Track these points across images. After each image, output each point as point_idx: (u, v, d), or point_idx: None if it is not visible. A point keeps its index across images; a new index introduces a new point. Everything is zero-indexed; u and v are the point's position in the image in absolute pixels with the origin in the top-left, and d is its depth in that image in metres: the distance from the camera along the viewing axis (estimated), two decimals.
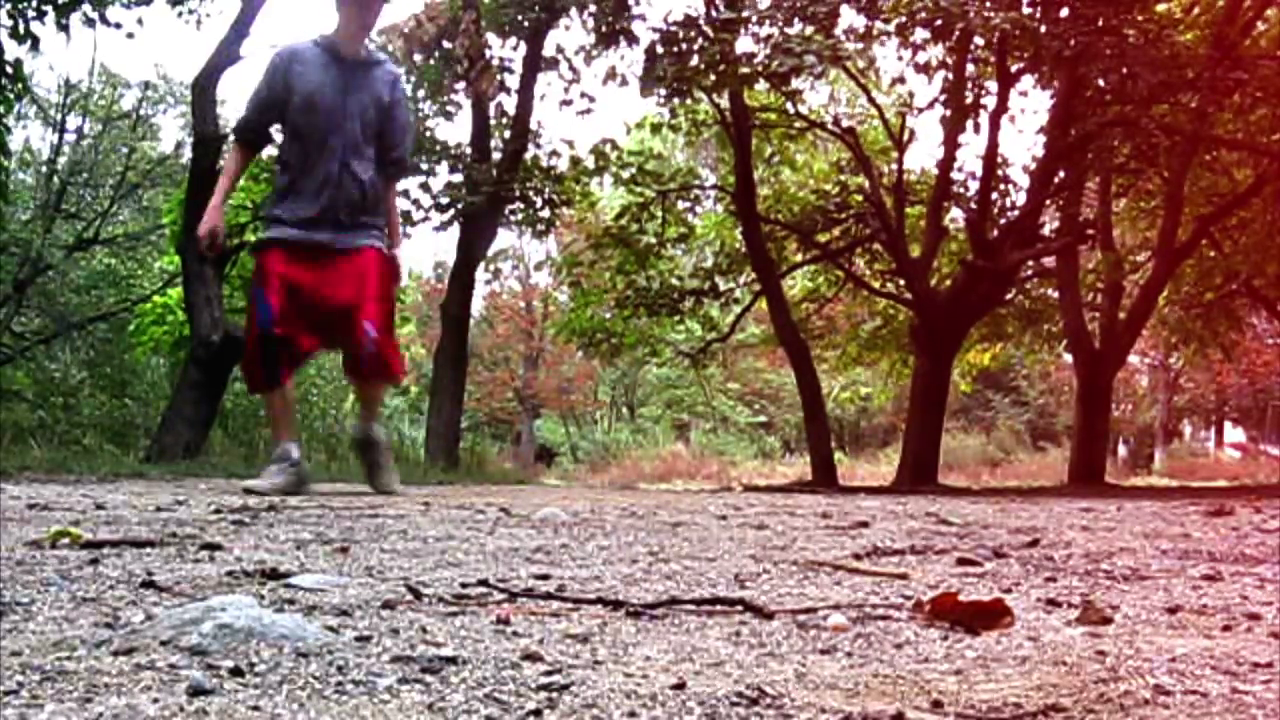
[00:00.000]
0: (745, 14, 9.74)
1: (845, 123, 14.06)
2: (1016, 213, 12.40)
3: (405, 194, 11.37)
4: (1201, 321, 15.43)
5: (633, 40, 10.26)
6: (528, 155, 11.82)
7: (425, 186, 11.44)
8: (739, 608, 1.60)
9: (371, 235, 4.51)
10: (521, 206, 12.00)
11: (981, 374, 19.82)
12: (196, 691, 1.03)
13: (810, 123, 13.95)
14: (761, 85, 11.88)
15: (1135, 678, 1.18)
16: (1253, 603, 1.72)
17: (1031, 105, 29.48)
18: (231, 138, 4.76)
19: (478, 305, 22.68)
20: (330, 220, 4.41)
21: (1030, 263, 13.24)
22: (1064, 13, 9.44)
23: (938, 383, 12.25)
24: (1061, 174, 11.90)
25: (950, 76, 11.54)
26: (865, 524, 3.22)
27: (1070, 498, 6.46)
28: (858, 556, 2.33)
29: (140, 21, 9.88)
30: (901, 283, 13.18)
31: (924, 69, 11.41)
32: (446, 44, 11.20)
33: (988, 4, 8.98)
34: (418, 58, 11.46)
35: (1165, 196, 12.88)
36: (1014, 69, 11.08)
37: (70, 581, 1.71)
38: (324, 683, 1.09)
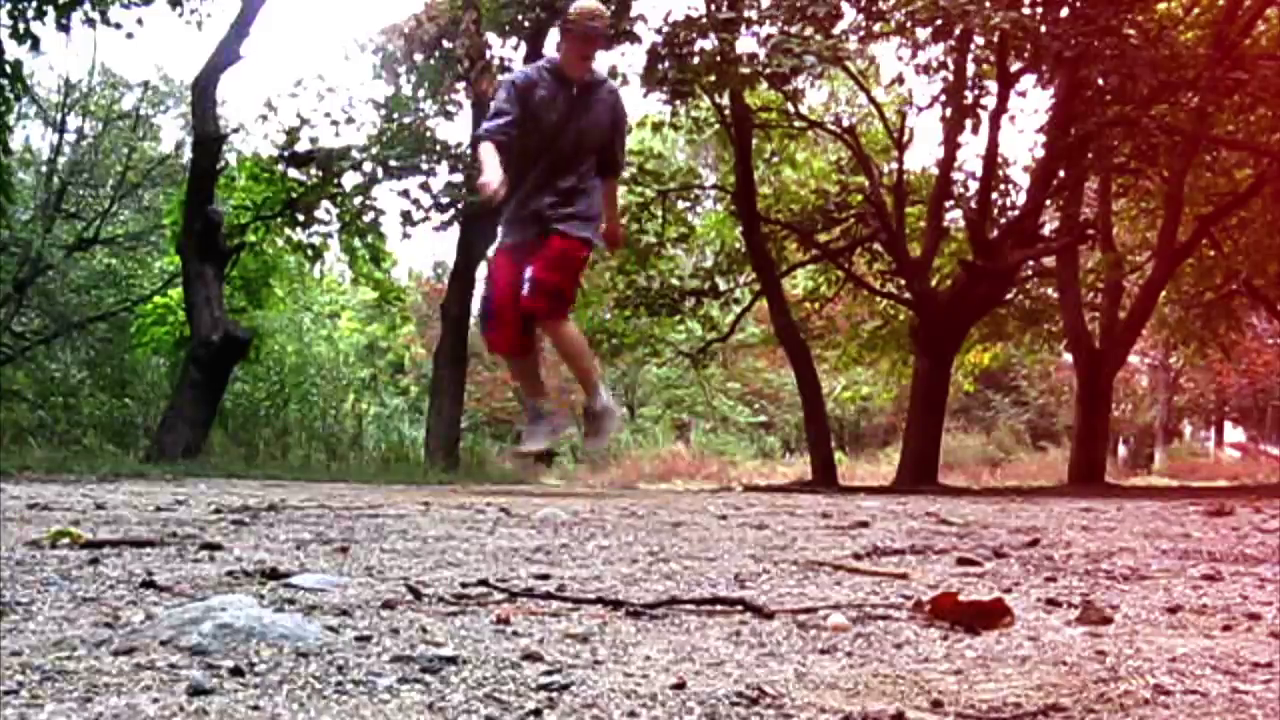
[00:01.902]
0: (746, 14, 9.73)
1: (845, 122, 14.05)
2: (1016, 213, 12.39)
3: (405, 194, 11.37)
4: (1201, 321, 15.42)
5: (634, 40, 10.24)
6: None
7: (425, 186, 11.42)
8: (739, 608, 1.60)
9: (573, 226, 5.08)
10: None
11: (982, 374, 19.81)
12: (196, 691, 1.03)
13: (810, 122, 13.94)
14: (762, 85, 11.87)
15: (1135, 678, 1.18)
16: (1253, 603, 1.72)
17: (1031, 105, 29.46)
18: (483, 137, 5.30)
19: (478, 305, 22.63)
20: (540, 220, 5.01)
21: (1030, 263, 13.22)
22: (1064, 13, 9.43)
23: (938, 383, 12.24)
24: (1061, 174, 11.88)
25: (950, 76, 11.53)
26: (865, 524, 3.22)
27: (1070, 498, 6.46)
28: (858, 556, 2.32)
29: (140, 21, 9.89)
30: (901, 283, 13.17)
31: (924, 69, 11.40)
32: (447, 44, 11.19)
33: (988, 4, 8.97)
34: (418, 57, 11.44)
35: (1165, 196, 12.87)
36: (1014, 69, 11.07)
37: (70, 581, 1.71)
38: (324, 682, 1.09)
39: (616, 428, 5.22)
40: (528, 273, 4.97)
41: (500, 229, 5.28)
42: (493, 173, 4.84)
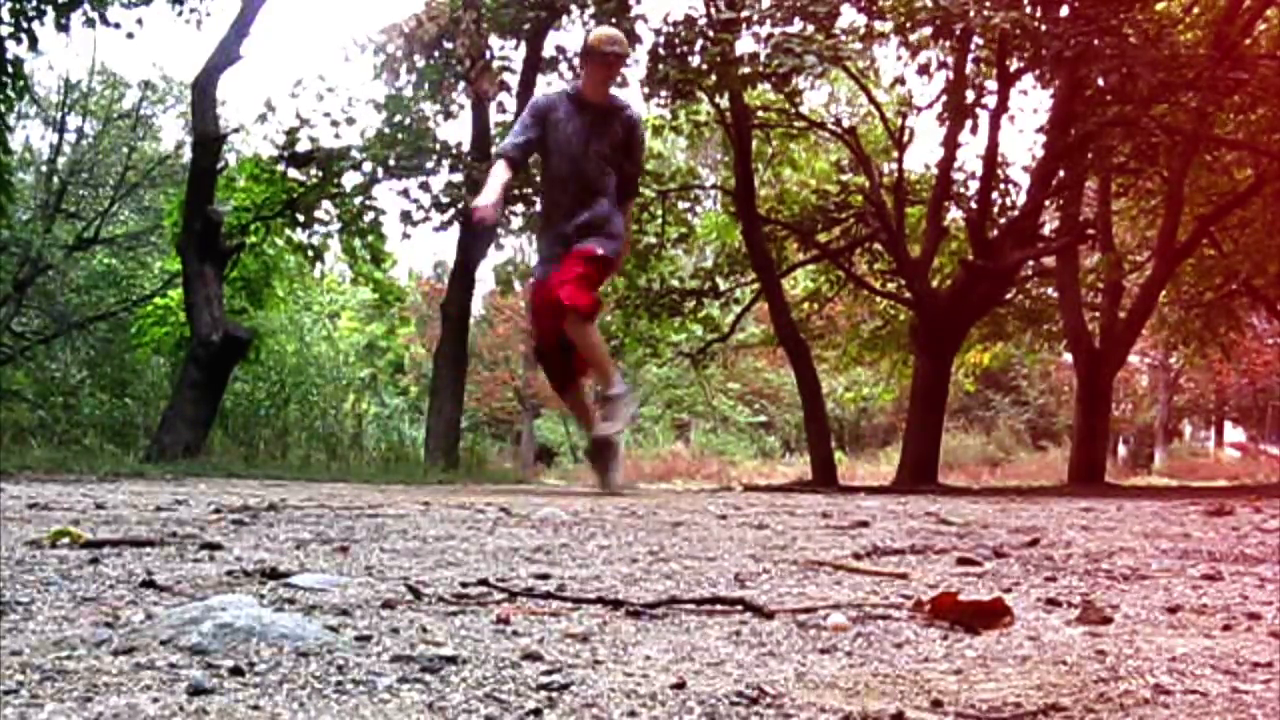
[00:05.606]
0: (745, 14, 9.73)
1: (845, 122, 14.05)
2: (1016, 213, 12.39)
3: (405, 194, 11.38)
4: (1201, 321, 15.43)
5: (634, 41, 10.24)
6: None
7: (425, 186, 11.41)
8: (739, 607, 1.60)
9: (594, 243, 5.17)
10: (522, 209, 11.99)
11: (982, 374, 19.82)
12: (196, 691, 1.03)
13: (811, 122, 13.94)
14: (762, 85, 11.87)
15: (1135, 678, 1.18)
16: (1253, 602, 1.72)
17: (1031, 105, 29.53)
18: (499, 154, 5.44)
19: (478, 305, 22.63)
20: (568, 243, 5.14)
21: (1030, 263, 13.23)
22: (1064, 13, 9.43)
23: (938, 383, 12.24)
24: (1061, 174, 11.88)
25: (950, 76, 11.53)
26: (865, 524, 3.22)
27: (1070, 497, 6.45)
28: (858, 556, 2.32)
29: (140, 22, 9.91)
30: (901, 282, 13.17)
31: (924, 69, 11.40)
32: (447, 44, 11.18)
33: (988, 4, 8.97)
34: (418, 58, 11.44)
35: (1165, 196, 12.87)
36: (1014, 69, 11.07)
37: (70, 581, 1.71)
38: (324, 682, 1.09)
39: (633, 413, 5.37)
40: (557, 281, 5.07)
41: (537, 255, 5.42)
42: (488, 195, 4.97)
